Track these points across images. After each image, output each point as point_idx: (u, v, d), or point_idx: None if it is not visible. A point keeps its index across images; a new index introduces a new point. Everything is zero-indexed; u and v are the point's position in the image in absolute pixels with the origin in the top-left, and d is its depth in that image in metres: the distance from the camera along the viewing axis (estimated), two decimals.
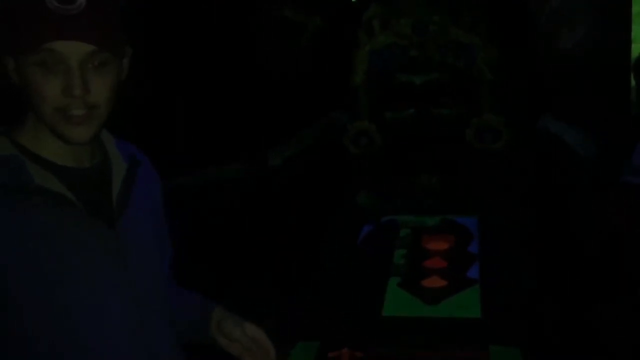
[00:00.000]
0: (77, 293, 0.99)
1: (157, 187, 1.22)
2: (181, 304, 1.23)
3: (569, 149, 2.85)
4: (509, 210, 2.81)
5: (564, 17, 3.14)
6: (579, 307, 2.37)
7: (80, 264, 0.99)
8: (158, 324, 1.09)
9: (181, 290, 1.26)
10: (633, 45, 3.04)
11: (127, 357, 1.03)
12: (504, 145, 2.93)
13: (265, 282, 2.67)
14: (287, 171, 3.14)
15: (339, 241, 2.76)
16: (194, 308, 1.24)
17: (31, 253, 0.96)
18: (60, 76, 0.97)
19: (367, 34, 3.08)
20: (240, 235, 2.91)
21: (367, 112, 3.08)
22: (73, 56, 0.97)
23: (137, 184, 1.11)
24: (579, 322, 2.31)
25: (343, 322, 2.21)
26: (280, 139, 3.19)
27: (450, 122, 2.97)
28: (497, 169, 2.93)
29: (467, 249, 2.53)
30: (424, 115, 2.98)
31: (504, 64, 3.02)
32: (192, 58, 3.33)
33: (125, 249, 1.04)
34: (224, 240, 2.85)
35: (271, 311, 2.54)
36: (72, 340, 0.98)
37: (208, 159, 3.15)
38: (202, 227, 2.79)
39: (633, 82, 2.61)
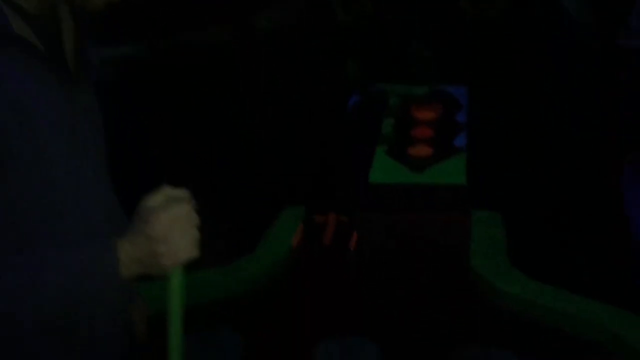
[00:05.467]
0: (52, 149, 0.95)
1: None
2: None
3: (566, 14, 2.79)
4: (500, 79, 2.79)
5: None
6: (560, 179, 2.42)
7: (53, 121, 0.95)
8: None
9: None
10: None
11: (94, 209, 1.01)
12: (498, 12, 2.86)
13: (254, 147, 2.68)
14: (275, 36, 3.06)
15: (327, 110, 2.75)
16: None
17: (14, 108, 0.92)
18: None
19: None
20: (225, 102, 2.88)
21: None
22: None
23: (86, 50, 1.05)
24: (559, 195, 2.36)
25: (330, 188, 2.26)
26: (268, 2, 3.09)
27: None
28: (491, 37, 2.88)
29: (455, 117, 2.53)
30: None
31: None
32: None
33: (80, 112, 1.00)
34: (210, 106, 2.83)
35: (261, 177, 2.57)
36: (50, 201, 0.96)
37: (190, 23, 3.05)
38: (186, 92, 2.76)
39: None
